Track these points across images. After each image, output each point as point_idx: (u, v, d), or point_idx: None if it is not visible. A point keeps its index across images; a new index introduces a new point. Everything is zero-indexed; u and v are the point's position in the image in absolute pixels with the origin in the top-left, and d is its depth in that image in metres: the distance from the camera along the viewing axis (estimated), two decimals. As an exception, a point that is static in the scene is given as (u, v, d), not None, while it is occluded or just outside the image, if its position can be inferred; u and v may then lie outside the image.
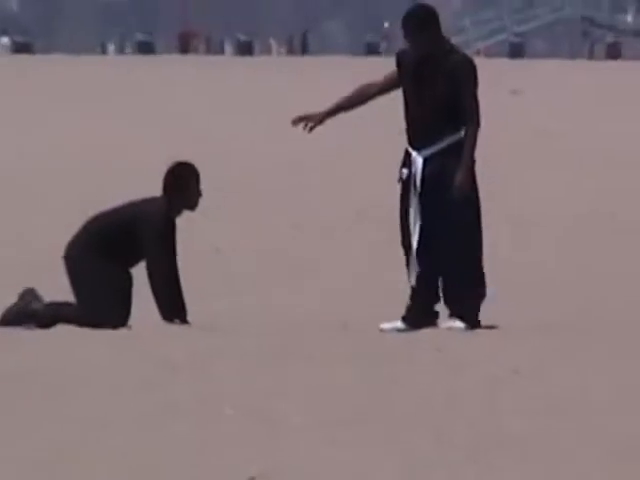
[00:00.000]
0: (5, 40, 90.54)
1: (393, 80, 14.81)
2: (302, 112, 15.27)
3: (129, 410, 10.21)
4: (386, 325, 14.15)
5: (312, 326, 14.82)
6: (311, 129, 14.89)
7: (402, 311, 14.32)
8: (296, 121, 14.99)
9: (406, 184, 14.40)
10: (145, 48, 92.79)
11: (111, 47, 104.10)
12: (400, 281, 14.96)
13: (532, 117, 36.78)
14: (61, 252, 14.78)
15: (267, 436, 9.42)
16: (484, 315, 14.60)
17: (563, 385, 11.31)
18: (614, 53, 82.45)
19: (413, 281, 14.50)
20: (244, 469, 8.18)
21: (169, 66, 67.82)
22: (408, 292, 14.34)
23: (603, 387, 11.01)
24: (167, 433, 9.58)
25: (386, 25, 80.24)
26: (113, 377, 11.74)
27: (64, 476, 8.26)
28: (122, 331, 14.14)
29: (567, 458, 8.33)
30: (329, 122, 15.17)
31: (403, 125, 14.65)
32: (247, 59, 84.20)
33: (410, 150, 14.43)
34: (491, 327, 14.08)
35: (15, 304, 14.54)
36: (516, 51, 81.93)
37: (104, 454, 8.88)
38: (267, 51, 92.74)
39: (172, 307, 14.54)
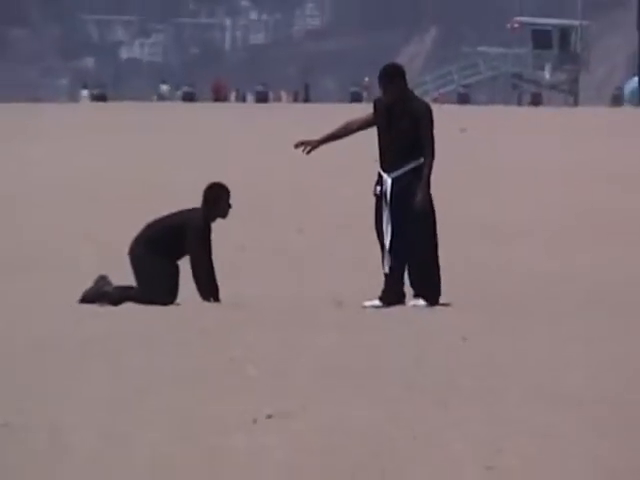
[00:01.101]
0: (85, 92, 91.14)
1: (370, 120, 14.70)
2: (305, 142, 15.15)
3: (175, 365, 10.21)
4: (367, 303, 13.99)
5: (315, 304, 14.53)
6: (308, 152, 14.75)
7: (379, 293, 14.20)
8: (298, 145, 14.80)
9: (379, 198, 14.32)
10: (189, 97, 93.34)
11: (165, 94, 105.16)
12: (378, 270, 14.58)
13: (475, 150, 36.37)
14: (124, 249, 14.54)
15: (280, 386, 9.44)
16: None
17: (504, 349, 11.27)
18: (536, 101, 79.42)
19: (387, 269, 14.53)
20: (263, 409, 8.24)
21: (206, 110, 66.85)
22: (383, 278, 14.22)
23: (539, 351, 11.01)
24: (202, 384, 9.59)
25: (366, 79, 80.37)
26: (164, 341, 11.65)
27: (122, 418, 8.25)
28: (171, 307, 14.04)
29: (508, 406, 8.32)
30: (323, 149, 14.78)
31: (377, 154, 14.51)
32: (263, 105, 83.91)
33: (382, 173, 14.31)
34: (446, 304, 13.91)
35: (92, 287, 14.49)
36: (463, 99, 79.70)
37: (154, 401, 8.84)
38: (278, 99, 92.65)
39: (209, 290, 14.33)
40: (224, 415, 8.44)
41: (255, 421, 8.16)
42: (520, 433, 7.76)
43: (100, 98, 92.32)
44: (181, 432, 7.84)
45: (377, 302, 14.14)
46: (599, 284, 17.71)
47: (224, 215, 15.07)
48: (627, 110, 63.58)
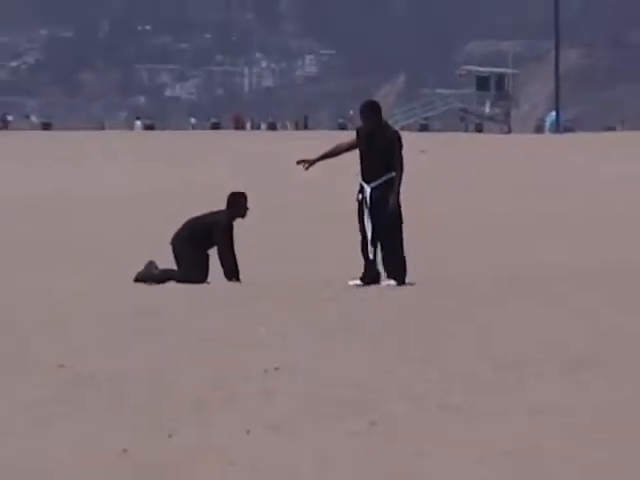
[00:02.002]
0: (138, 122, 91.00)
1: (354, 143, 14.64)
2: (302, 163, 15.13)
3: (205, 328, 10.31)
4: (351, 282, 13.98)
5: (311, 283, 14.55)
6: (307, 168, 14.69)
7: (360, 274, 14.38)
8: (299, 162, 14.74)
9: (361, 203, 14.40)
10: (215, 126, 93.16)
11: (194, 124, 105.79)
12: (358, 257, 14.82)
13: (432, 166, 36.39)
14: (167, 240, 14.50)
15: (286, 344, 9.48)
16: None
17: (450, 308, 11.54)
18: (479, 129, 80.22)
19: (372, 256, 14.32)
20: (272, 363, 8.27)
21: (228, 136, 66.84)
22: (362, 263, 14.30)
23: (488, 318, 10.87)
24: (225, 342, 9.65)
25: (350, 112, 79.99)
26: (198, 309, 11.72)
27: (167, 369, 8.30)
28: (203, 285, 14.05)
29: (460, 365, 8.15)
30: (318, 165, 15.08)
31: (358, 169, 14.59)
32: (273, 132, 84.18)
33: (363, 183, 14.60)
34: (411, 284, 13.82)
35: (143, 270, 14.55)
36: (423, 128, 79.38)
37: (190, 355, 8.95)
38: (284, 127, 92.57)
39: (232, 272, 14.46)
40: (241, 366, 8.47)
41: (266, 371, 8.15)
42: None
43: (149, 127, 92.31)
44: (210, 380, 7.80)
45: (358, 282, 14.07)
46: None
47: (243, 215, 14.99)
48: (547, 136, 63.89)
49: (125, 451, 6.09)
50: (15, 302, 13.09)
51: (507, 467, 5.64)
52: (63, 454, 6.13)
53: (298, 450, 6.23)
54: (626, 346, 9.72)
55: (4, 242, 21.36)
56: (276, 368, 8.26)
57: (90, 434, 6.72)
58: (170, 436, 6.56)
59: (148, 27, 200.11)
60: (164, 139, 68.04)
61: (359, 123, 15.50)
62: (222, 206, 15.03)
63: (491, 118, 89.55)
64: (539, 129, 73.99)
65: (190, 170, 41.99)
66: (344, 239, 16.74)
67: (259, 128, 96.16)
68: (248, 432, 6.46)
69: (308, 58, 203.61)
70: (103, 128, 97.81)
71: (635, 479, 5.51)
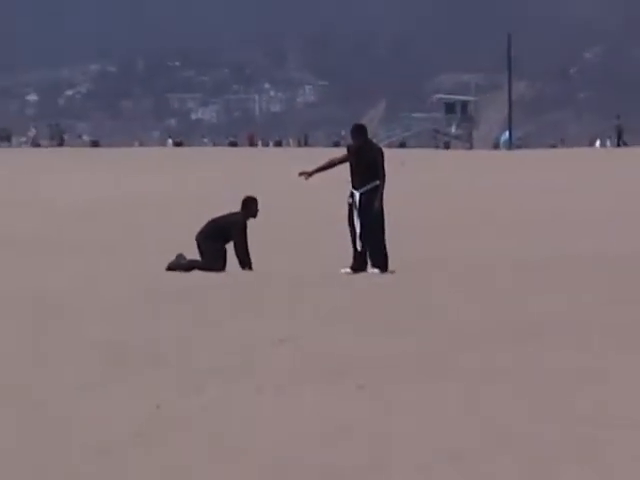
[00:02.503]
0: (170, 140, 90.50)
1: (345, 158, 14.59)
2: (304, 174, 14.96)
3: (222, 305, 10.23)
4: (343, 270, 14.10)
5: (310, 272, 14.45)
6: (307, 178, 14.53)
7: (350, 264, 14.29)
8: (300, 174, 14.50)
9: (351, 206, 14.25)
10: (233, 143, 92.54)
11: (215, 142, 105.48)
12: (348, 250, 14.73)
13: (411, 176, 36.10)
14: (193, 236, 14.42)
15: (291, 319, 9.33)
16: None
17: (424, 290, 11.40)
18: (447, 146, 76.57)
19: (360, 249, 14.18)
20: (278, 335, 8.16)
21: (243, 152, 65.65)
22: (352, 254, 14.12)
23: (454, 298, 10.73)
24: (238, 316, 9.47)
25: (342, 133, 79.73)
26: (218, 290, 11.55)
27: (196, 338, 8.22)
28: (222, 273, 14.05)
29: (432, 336, 8.11)
30: (317, 176, 15.13)
31: (349, 178, 14.44)
32: (279, 148, 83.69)
33: (353, 190, 14.35)
34: (392, 271, 13.83)
35: (174, 260, 14.57)
36: (402, 145, 78.77)
37: (211, 327, 8.77)
38: (288, 144, 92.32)
39: (245, 263, 14.44)
40: (251, 337, 8.37)
41: (272, 343, 8.08)
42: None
43: (179, 144, 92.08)
44: (225, 349, 7.76)
45: (349, 270, 14.18)
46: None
47: (254, 216, 14.86)
48: (502, 152, 63.85)
49: (158, 407, 5.99)
50: (68, 287, 12.66)
51: (474, 422, 5.43)
52: (108, 409, 6.03)
53: (299, 407, 6.16)
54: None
55: (65, 237, 20.75)
56: (280, 340, 8.08)
57: (131, 392, 6.61)
58: (196, 394, 6.46)
59: (177, 63, 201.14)
60: (191, 153, 68.00)
61: (349, 141, 15.40)
62: (236, 209, 15.04)
63: (457, 137, 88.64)
64: (495, 146, 73.92)
65: (211, 177, 41.25)
66: (337, 237, 16.76)
67: (268, 145, 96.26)
68: (259, 390, 6.38)
69: (307, 88, 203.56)
70: (141, 145, 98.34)
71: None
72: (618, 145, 62.48)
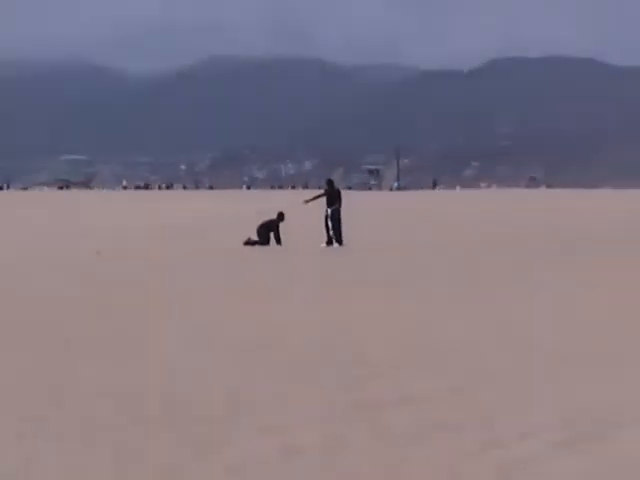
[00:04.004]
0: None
1: (324, 193, 15.54)
2: (305, 201, 15.17)
3: (257, 274, 9.81)
4: (322, 245, 14.89)
5: (306, 247, 14.59)
6: (306, 203, 15.51)
7: (325, 242, 14.69)
8: (304, 201, 15.41)
9: (326, 215, 15.25)
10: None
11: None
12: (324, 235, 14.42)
13: (353, 203, 28.36)
14: (254, 231, 14.80)
15: (290, 276, 9.19)
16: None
17: (367, 258, 11.76)
18: (370, 189, 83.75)
19: (330, 234, 15.19)
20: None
21: (261, 194, 56.24)
22: (325, 239, 14.82)
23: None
24: (265, 282, 8.64)
25: (323, 182, 79.69)
26: (261, 254, 12.58)
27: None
28: (267, 246, 14.96)
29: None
30: (313, 203, 15.33)
31: (324, 203, 15.05)
32: (293, 189, 75.68)
33: (327, 208, 15.17)
34: (347, 245, 14.40)
35: (246, 239, 15.54)
36: (349, 188, 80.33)
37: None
38: (295, 187, 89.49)
39: (278, 241, 15.22)
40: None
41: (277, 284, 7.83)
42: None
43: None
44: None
45: (324, 245, 14.87)
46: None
47: (283, 220, 15.42)
48: (394, 192, 66.75)
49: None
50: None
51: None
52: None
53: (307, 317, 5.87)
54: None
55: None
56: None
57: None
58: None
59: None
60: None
61: (325, 187, 15.89)
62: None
63: (374, 185, 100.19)
64: (391, 189, 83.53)
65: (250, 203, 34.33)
66: (316, 232, 16.06)
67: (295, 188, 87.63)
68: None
69: (289, 162, 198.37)
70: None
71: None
72: (434, 188, 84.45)
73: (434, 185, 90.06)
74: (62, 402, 3.66)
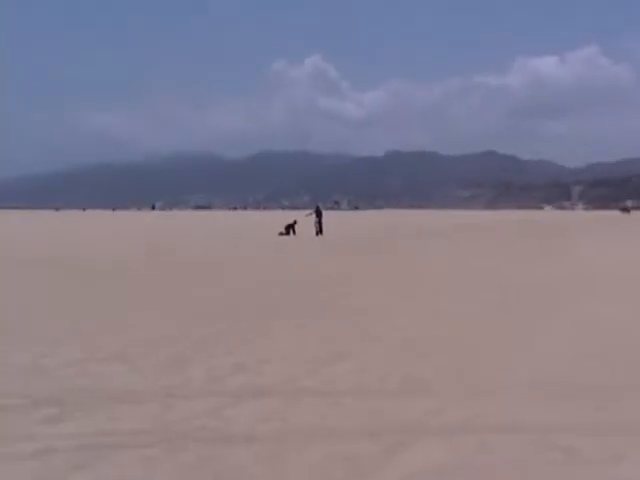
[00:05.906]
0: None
1: (314, 211, 18.65)
2: (305, 215, 16.44)
3: (288, 247, 10.83)
4: (315, 236, 17.50)
5: (306, 238, 15.81)
6: (306, 216, 18.53)
7: (314, 233, 16.85)
8: (305, 215, 17.39)
9: (315, 222, 18.27)
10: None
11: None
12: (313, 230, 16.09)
13: (329, 219, 28.15)
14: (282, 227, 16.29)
15: (296, 254, 8.77)
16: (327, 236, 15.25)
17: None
18: (337, 209, 75.26)
19: (317, 229, 17.97)
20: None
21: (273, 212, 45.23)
22: (314, 233, 17.04)
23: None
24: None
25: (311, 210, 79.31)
26: (295, 241, 13.92)
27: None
28: (291, 235, 16.36)
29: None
30: (310, 217, 16.93)
31: (314, 214, 17.28)
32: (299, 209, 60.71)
33: (315, 218, 18.35)
34: (329, 237, 15.39)
35: (282, 231, 18.45)
36: (330, 208, 72.78)
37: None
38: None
39: (287, 229, 17.12)
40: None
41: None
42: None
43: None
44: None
45: (315, 235, 18.16)
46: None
47: (296, 223, 18.10)
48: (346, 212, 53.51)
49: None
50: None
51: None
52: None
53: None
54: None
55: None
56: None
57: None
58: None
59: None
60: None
61: (315, 209, 18.56)
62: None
63: (338, 208, 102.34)
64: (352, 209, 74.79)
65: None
66: (307, 231, 17.87)
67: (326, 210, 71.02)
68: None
69: (304, 196, 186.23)
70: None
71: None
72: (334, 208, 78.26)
73: (330, 207, 74.82)
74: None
